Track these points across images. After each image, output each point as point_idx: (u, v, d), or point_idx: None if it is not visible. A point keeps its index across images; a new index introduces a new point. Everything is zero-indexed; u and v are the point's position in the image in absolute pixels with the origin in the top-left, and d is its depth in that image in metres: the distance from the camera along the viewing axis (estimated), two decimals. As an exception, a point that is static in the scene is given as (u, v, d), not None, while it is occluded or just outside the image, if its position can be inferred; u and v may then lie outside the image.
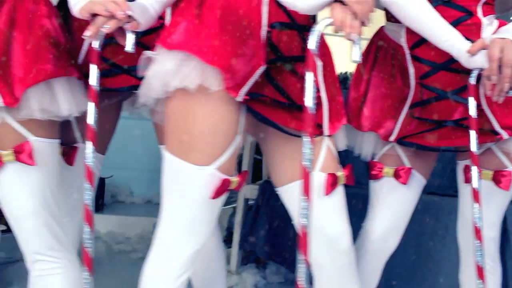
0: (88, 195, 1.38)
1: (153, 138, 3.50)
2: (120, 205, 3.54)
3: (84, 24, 1.60)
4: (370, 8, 1.28)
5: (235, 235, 2.67)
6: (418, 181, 1.80)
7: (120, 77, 1.65)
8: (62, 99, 1.45)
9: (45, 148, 1.46)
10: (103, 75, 1.64)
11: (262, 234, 2.64)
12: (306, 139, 1.27)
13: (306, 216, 1.26)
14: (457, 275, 2.31)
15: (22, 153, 1.42)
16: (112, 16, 1.33)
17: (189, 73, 1.35)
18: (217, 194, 1.41)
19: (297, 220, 1.58)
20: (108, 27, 1.33)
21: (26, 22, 1.41)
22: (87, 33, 1.35)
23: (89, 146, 1.38)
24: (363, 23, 1.28)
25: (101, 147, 1.82)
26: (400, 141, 1.74)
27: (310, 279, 2.63)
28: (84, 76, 1.55)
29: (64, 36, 1.51)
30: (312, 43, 1.26)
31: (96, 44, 1.38)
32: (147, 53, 1.40)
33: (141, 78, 1.62)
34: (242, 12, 1.39)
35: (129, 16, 1.35)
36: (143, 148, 3.36)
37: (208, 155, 1.39)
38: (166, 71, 1.36)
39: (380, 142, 1.80)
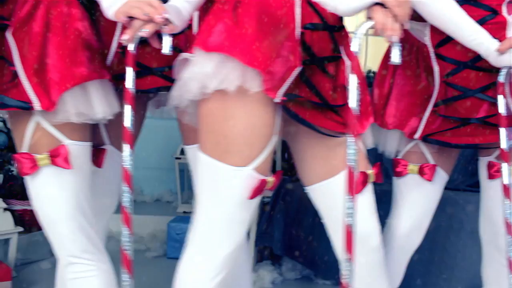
0: (126, 198, 1.39)
1: (162, 137, 3.53)
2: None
3: (110, 25, 1.62)
4: (409, 11, 1.30)
5: (251, 233, 2.68)
6: (441, 178, 1.83)
7: (148, 78, 1.65)
8: (96, 102, 1.45)
9: (79, 151, 1.46)
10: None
11: (278, 231, 2.65)
12: (350, 139, 1.29)
13: (352, 216, 1.28)
14: (473, 269, 2.34)
15: (58, 157, 1.42)
16: (150, 20, 1.33)
17: (228, 75, 1.35)
18: (254, 194, 1.43)
19: (326, 219, 1.61)
20: (147, 31, 1.33)
21: (60, 26, 1.40)
22: (125, 37, 1.35)
23: (126, 149, 1.39)
24: (402, 25, 1.29)
25: (126, 148, 1.82)
26: (425, 138, 1.76)
27: (328, 276, 2.65)
28: (113, 77, 1.56)
29: (95, 38, 1.51)
30: (355, 46, 1.27)
31: (131, 47, 1.38)
32: (184, 55, 1.40)
33: (169, 79, 1.63)
34: (277, 14, 1.40)
35: (166, 19, 1.36)
36: (152, 147, 3.36)
37: (246, 156, 1.40)
38: (205, 73, 1.36)
39: (404, 140, 1.82)
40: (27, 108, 1.37)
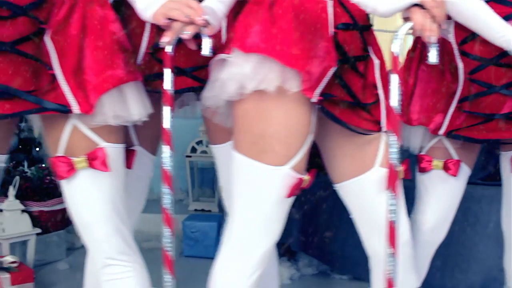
0: (167, 199, 1.40)
1: (172, 135, 3.49)
2: (143, 203, 3.52)
3: (139, 26, 1.62)
4: (445, 11, 1.33)
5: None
6: (465, 173, 1.86)
7: (178, 79, 1.66)
8: (132, 104, 1.45)
9: (115, 153, 1.45)
10: (162, 77, 1.65)
11: (295, 227, 2.67)
12: (392, 138, 1.31)
13: (394, 212, 1.30)
14: (488, 261, 2.39)
15: (95, 160, 1.41)
16: (191, 22, 1.33)
17: (267, 75, 1.37)
18: (292, 193, 1.45)
19: (356, 215, 1.63)
20: (189, 33, 1.33)
21: (97, 28, 1.40)
22: (165, 39, 1.35)
23: (166, 150, 1.40)
24: (439, 26, 1.32)
25: (153, 149, 1.83)
26: (449, 134, 1.78)
27: (344, 271, 2.67)
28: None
29: (127, 39, 1.51)
30: (395, 47, 1.30)
31: (169, 49, 1.39)
32: (221, 55, 1.41)
33: (198, 80, 1.64)
34: (311, 14, 1.41)
35: (206, 21, 1.36)
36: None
37: (283, 155, 1.42)
38: (244, 73, 1.37)
39: (427, 136, 1.85)
40: (66, 111, 1.36)
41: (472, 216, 2.50)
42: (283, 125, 1.40)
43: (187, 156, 3.34)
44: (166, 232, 1.40)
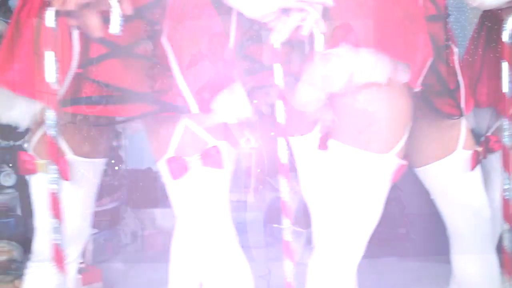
0: (284, 191, 1.43)
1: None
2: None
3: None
4: None
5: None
6: (530, 151, 1.95)
7: (261, 74, 1.69)
8: (240, 102, 1.47)
9: (224, 150, 1.48)
10: (250, 73, 1.69)
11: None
12: (506, 122, 1.39)
13: (510, 190, 1.39)
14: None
15: (209, 158, 1.44)
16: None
17: (377, 68, 1.42)
18: (395, 178, 1.51)
19: (438, 196, 1.71)
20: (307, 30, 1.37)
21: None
22: (282, 36, 1.38)
23: (281, 144, 1.43)
24: None
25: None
26: (518, 114, 1.87)
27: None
28: None
29: None
30: (506, 36, 1.37)
31: (277, 45, 1.42)
32: (330, 50, 1.45)
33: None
34: (407, 7, 1.47)
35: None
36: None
37: (389, 143, 1.47)
38: (355, 67, 1.42)
39: (494, 116, 1.93)
40: (186, 111, 1.39)
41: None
42: (389, 115, 1.46)
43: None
44: (286, 222, 1.44)
